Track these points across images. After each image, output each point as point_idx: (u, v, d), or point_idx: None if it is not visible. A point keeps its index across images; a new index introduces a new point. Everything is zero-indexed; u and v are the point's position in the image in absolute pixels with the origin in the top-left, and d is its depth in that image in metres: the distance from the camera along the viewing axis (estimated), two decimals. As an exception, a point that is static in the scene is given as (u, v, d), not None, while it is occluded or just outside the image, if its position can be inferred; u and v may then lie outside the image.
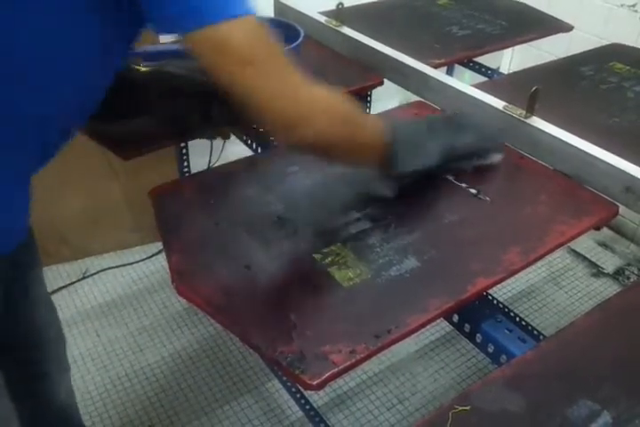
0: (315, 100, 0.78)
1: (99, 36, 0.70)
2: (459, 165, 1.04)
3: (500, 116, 1.16)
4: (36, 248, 1.02)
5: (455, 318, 0.95)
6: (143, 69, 0.97)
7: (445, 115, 1.09)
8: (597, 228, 1.02)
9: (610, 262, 2.23)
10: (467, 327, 0.94)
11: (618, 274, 2.19)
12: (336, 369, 0.73)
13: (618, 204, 1.03)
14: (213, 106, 0.98)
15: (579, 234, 0.97)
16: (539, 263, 2.19)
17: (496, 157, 1.08)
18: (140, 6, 0.67)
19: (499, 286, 0.93)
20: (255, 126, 1.08)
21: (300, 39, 1.20)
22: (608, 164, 1.02)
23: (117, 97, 0.82)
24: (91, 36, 0.70)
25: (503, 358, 0.88)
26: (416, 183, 1.00)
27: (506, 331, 0.90)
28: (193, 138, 1.16)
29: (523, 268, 0.91)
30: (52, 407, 1.19)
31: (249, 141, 1.33)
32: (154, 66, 0.99)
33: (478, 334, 0.92)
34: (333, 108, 0.80)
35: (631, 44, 1.63)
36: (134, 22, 0.72)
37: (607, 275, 2.19)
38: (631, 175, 1.00)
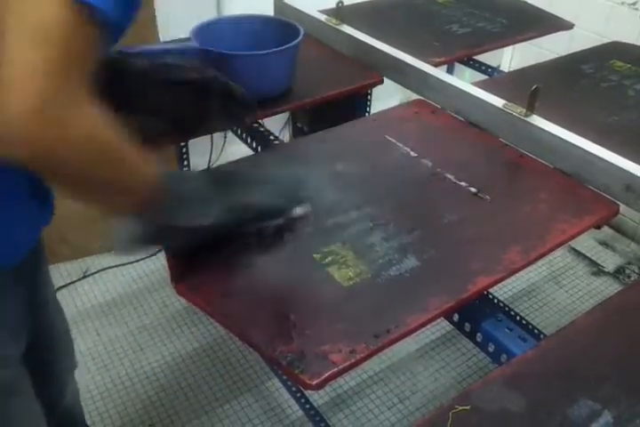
0: (82, 125, 0.58)
1: None
2: (257, 225, 0.83)
3: (501, 114, 1.15)
4: (44, 248, 1.02)
5: (455, 317, 0.95)
6: (139, 62, 0.96)
7: (235, 168, 0.89)
8: (598, 226, 1.01)
9: (610, 261, 2.23)
10: (467, 327, 0.93)
11: (618, 273, 2.18)
12: (336, 369, 0.73)
13: (618, 202, 1.02)
14: (211, 96, 0.97)
15: (579, 233, 0.97)
16: (539, 262, 2.18)
17: (299, 211, 0.85)
18: None
19: (499, 285, 0.93)
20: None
21: (300, 38, 1.20)
22: (608, 162, 1.02)
23: (111, 87, 0.79)
24: None
25: (504, 357, 0.88)
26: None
27: (506, 330, 0.90)
28: (195, 135, 1.15)
29: (523, 267, 0.91)
30: (59, 407, 1.20)
31: (249, 140, 1.33)
32: (150, 59, 0.97)
33: (479, 334, 0.91)
34: (102, 141, 0.61)
35: (632, 42, 1.63)
36: None
37: (608, 273, 2.19)
38: (631, 174, 0.99)
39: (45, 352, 1.07)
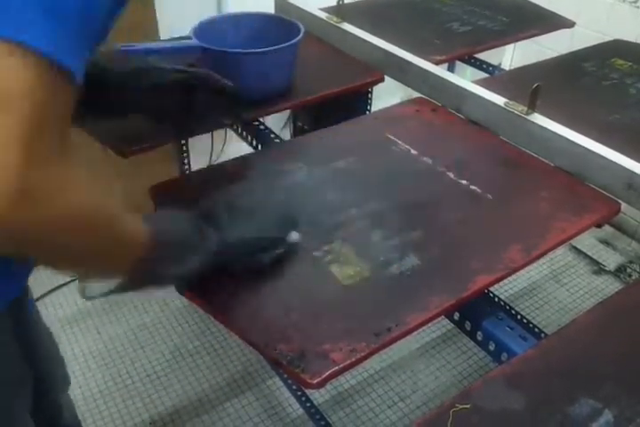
0: (54, 199, 0.51)
1: None
2: (254, 259, 0.84)
3: (502, 112, 1.15)
4: (28, 288, 0.95)
5: (456, 315, 0.95)
6: (117, 69, 0.95)
7: (225, 204, 0.86)
8: (599, 225, 1.01)
9: (611, 260, 2.23)
10: (468, 325, 0.93)
11: (619, 271, 2.18)
12: (336, 368, 0.73)
13: (619, 201, 1.02)
14: (197, 96, 0.98)
15: (580, 231, 0.97)
16: (540, 261, 2.19)
17: (293, 237, 0.88)
18: None
19: (500, 283, 0.92)
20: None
21: (301, 36, 1.19)
22: (609, 160, 1.02)
23: (96, 96, 0.74)
24: None
25: (504, 355, 0.88)
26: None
27: (507, 329, 0.90)
28: (192, 134, 1.15)
29: (524, 265, 0.90)
30: (56, 424, 1.19)
31: (249, 138, 1.33)
32: (133, 63, 0.97)
33: (479, 332, 0.91)
34: (78, 210, 0.55)
35: (633, 40, 1.63)
36: None
37: (609, 272, 2.19)
38: (633, 172, 0.99)
39: (40, 383, 1.05)
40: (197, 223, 0.77)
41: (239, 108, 1.08)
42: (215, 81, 1.00)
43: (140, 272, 0.68)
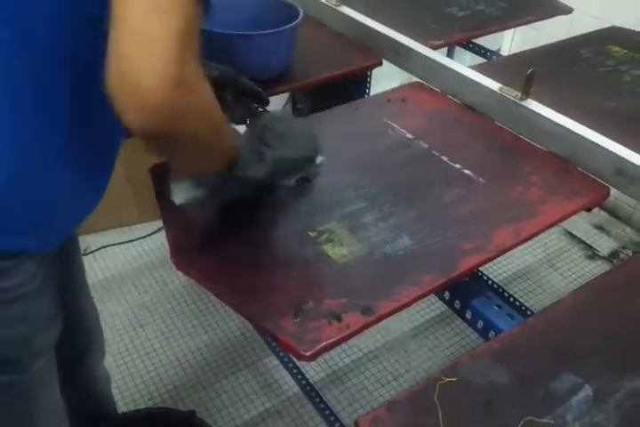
0: (204, 91, 0.64)
1: None
2: (287, 177, 0.93)
3: (496, 97, 1.17)
4: (76, 234, 1.03)
5: (446, 294, 0.98)
6: None
7: (267, 123, 0.93)
8: (588, 209, 1.04)
9: (605, 245, 2.26)
10: (457, 304, 0.96)
11: (613, 257, 2.21)
12: (329, 341, 0.75)
13: (609, 186, 1.04)
14: (226, 94, 0.99)
15: (570, 215, 0.99)
16: (534, 245, 2.23)
17: (319, 160, 0.95)
18: None
19: (494, 266, 0.95)
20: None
21: (299, 19, 1.20)
22: (600, 146, 1.04)
23: None
24: None
25: (492, 333, 0.91)
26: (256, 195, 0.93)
27: (495, 307, 0.93)
28: None
29: (513, 246, 0.93)
30: (90, 395, 1.22)
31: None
32: None
33: (468, 311, 0.94)
34: (215, 110, 0.68)
35: (631, 28, 1.63)
36: None
37: (602, 257, 2.22)
38: (622, 158, 1.01)
39: (79, 339, 1.08)
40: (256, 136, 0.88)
41: (261, 105, 1.07)
42: (245, 84, 1.01)
43: (228, 173, 0.80)
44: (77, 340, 1.10)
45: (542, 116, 1.11)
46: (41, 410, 0.88)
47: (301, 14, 1.22)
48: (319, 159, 0.93)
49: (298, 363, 1.66)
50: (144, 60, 0.55)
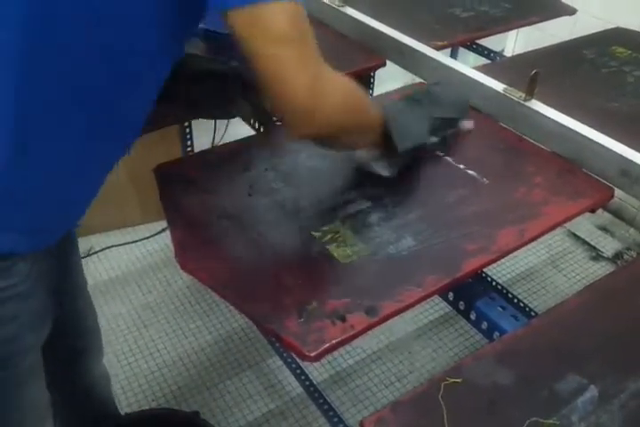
0: (335, 89, 0.75)
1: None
2: (437, 135, 1.07)
3: (500, 98, 1.17)
4: (75, 235, 1.04)
5: (450, 295, 0.98)
6: None
7: (425, 88, 1.10)
8: (592, 210, 1.03)
9: (609, 246, 2.25)
10: (461, 305, 0.96)
11: (617, 258, 2.21)
12: (333, 341, 0.75)
13: (613, 187, 1.04)
14: (231, 89, 0.99)
15: (574, 216, 0.99)
16: (538, 246, 2.23)
17: (467, 125, 1.13)
18: None
19: (498, 267, 0.95)
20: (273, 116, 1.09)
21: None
22: (605, 147, 1.03)
23: None
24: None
25: (496, 334, 0.90)
26: (411, 162, 1.04)
27: (499, 309, 0.92)
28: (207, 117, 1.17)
29: (517, 247, 0.93)
30: (90, 397, 1.23)
31: (251, 121, 1.35)
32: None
33: (472, 312, 0.94)
34: (350, 97, 0.79)
35: (635, 29, 1.63)
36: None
37: (606, 258, 2.21)
38: (627, 159, 1.01)
39: (76, 340, 1.08)
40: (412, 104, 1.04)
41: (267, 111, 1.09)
42: (253, 80, 1.02)
43: (383, 143, 0.93)
44: (75, 340, 1.10)
45: (546, 117, 1.11)
46: (23, 407, 0.88)
47: (305, 15, 1.22)
48: (467, 124, 1.12)
49: (301, 364, 1.66)
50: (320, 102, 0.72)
